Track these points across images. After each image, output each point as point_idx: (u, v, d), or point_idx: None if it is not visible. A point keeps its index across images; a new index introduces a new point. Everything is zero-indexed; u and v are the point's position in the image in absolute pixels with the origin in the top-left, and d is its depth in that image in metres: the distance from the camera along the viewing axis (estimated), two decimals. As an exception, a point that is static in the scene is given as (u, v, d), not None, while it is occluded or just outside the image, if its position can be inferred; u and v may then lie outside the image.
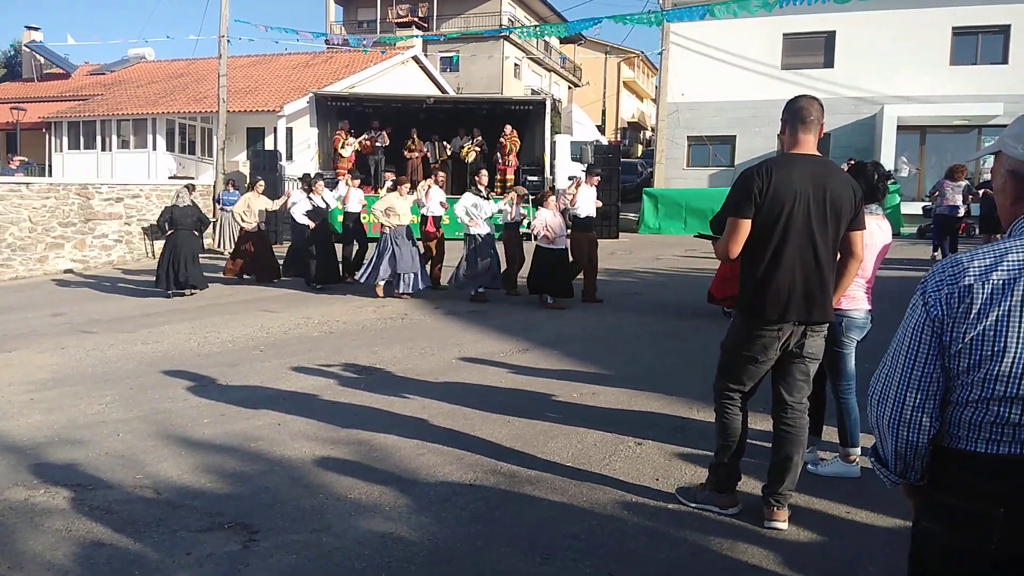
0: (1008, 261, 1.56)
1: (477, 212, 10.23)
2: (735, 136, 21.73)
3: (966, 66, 19.77)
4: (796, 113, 3.48)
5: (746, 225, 3.41)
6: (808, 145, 3.48)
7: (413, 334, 8.28)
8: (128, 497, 4.07)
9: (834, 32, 20.63)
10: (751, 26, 20.72)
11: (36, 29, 30.77)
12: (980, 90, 19.22)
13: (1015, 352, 1.54)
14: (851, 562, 3.33)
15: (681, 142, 22.24)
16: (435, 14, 36.80)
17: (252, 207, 12.42)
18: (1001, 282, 1.54)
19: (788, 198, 3.34)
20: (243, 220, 12.40)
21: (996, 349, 1.55)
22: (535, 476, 4.26)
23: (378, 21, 36.87)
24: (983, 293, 1.56)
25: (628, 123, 49.68)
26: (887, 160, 19.44)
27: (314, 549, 3.46)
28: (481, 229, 10.22)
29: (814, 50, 21.03)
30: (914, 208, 17.60)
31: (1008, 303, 1.54)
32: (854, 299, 4.05)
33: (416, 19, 35.74)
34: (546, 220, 9.54)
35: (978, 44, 19.86)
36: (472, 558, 3.37)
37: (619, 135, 45.64)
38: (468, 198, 10.39)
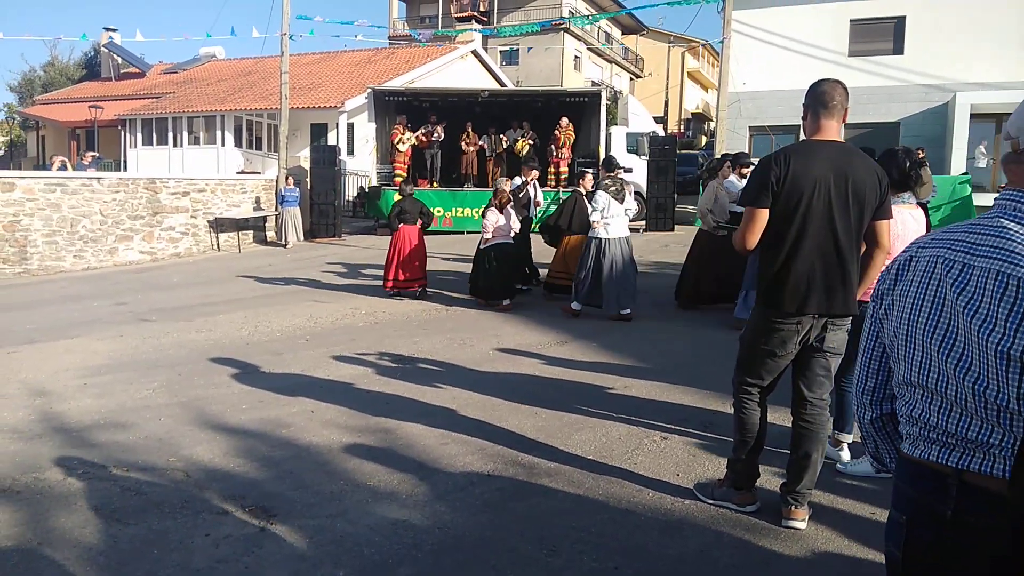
0: (933, 236, 1.52)
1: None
2: (799, 126, 21.07)
3: (1047, 50, 18.74)
4: (818, 98, 3.36)
5: (763, 215, 3.31)
6: (831, 131, 3.36)
7: (455, 325, 8.34)
8: (159, 479, 4.22)
9: (904, 17, 19.81)
10: (816, 12, 20.08)
11: (114, 30, 32.07)
12: (1062, 75, 18.21)
13: (904, 333, 1.48)
14: (869, 564, 3.21)
15: (743, 133, 21.73)
16: (496, 8, 36.85)
17: (720, 198, 8.62)
18: (916, 258, 1.51)
19: (807, 186, 3.24)
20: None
21: (895, 328, 1.52)
22: (554, 468, 4.24)
23: (439, 16, 37.11)
24: (898, 266, 1.55)
25: (692, 114, 48.87)
26: (959, 150, 18.62)
27: (327, 534, 3.53)
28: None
29: (883, 36, 20.23)
30: (987, 200, 16.79)
31: (908, 278, 1.50)
32: (885, 292, 3.89)
33: (476, 13, 35.86)
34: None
35: (1060, 26, 18.80)
36: (480, 547, 3.38)
37: (682, 126, 44.99)
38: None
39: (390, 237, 10.30)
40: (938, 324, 1.41)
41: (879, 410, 1.64)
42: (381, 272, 11.73)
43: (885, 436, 1.66)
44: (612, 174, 8.61)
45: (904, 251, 1.56)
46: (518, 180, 10.55)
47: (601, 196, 8.29)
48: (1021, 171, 1.43)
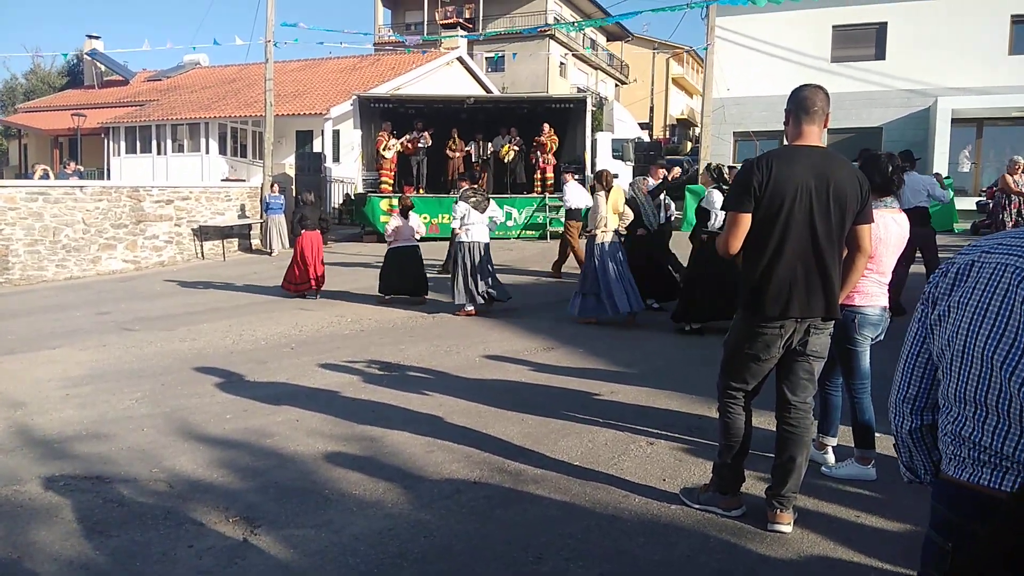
0: (998, 242, 1.41)
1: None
2: (782, 131, 21.23)
3: (1026, 55, 19.02)
4: (800, 103, 3.39)
5: (746, 219, 3.33)
6: (812, 136, 3.38)
7: (441, 332, 8.32)
8: (142, 490, 4.17)
9: (885, 23, 20.06)
10: (799, 19, 20.29)
11: (97, 38, 31.84)
12: (1041, 80, 18.47)
13: (962, 343, 1.37)
14: (855, 567, 3.21)
15: (727, 138, 21.90)
16: (481, 15, 36.91)
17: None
18: (979, 264, 1.40)
19: (789, 191, 3.25)
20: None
21: (950, 335, 1.40)
22: (541, 475, 4.23)
23: (425, 23, 37.11)
24: (956, 270, 1.44)
25: (677, 120, 49.08)
26: (942, 154, 18.82)
27: (312, 544, 3.49)
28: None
29: (865, 42, 20.47)
30: (969, 203, 16.97)
31: (971, 284, 1.39)
32: (869, 295, 3.92)
33: (461, 20, 35.89)
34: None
35: (1039, 32, 19.10)
36: (466, 556, 3.36)
37: (668, 132, 45.17)
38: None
39: (294, 243, 11.29)
40: (1003, 337, 1.30)
41: (919, 420, 1.56)
42: (369, 280, 11.75)
43: (923, 448, 1.58)
44: (475, 186, 9.71)
45: (964, 254, 1.46)
46: (652, 182, 9.47)
47: (461, 206, 9.18)
48: None
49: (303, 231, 11.00)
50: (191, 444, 4.90)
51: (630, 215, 8.58)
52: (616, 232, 8.40)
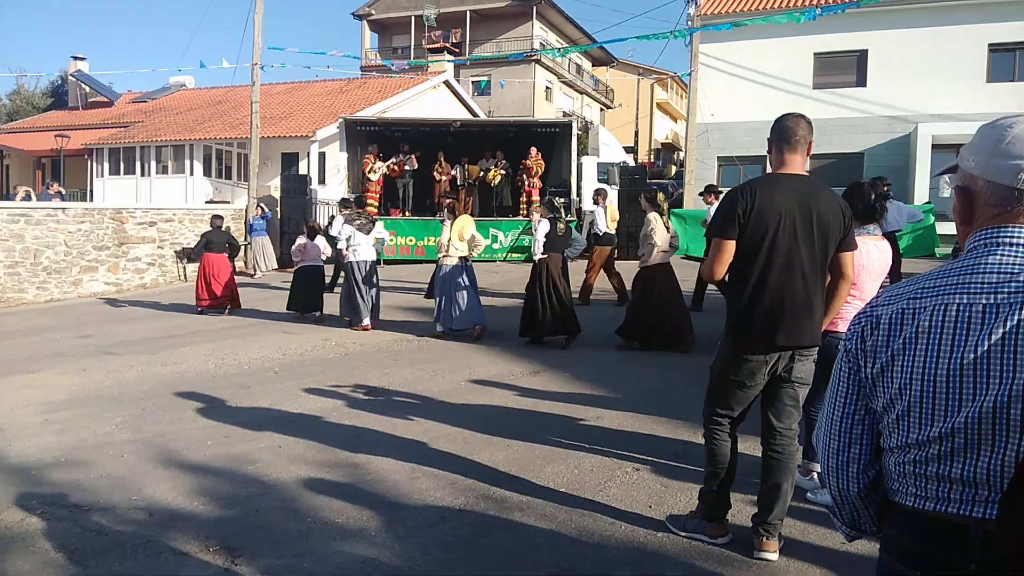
0: (922, 287, 1.42)
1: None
2: (766, 156, 21.44)
3: (1004, 83, 19.34)
4: (782, 133, 3.42)
5: (730, 246, 3.34)
6: (795, 165, 3.42)
7: (426, 356, 8.28)
8: (120, 519, 4.10)
9: (866, 51, 20.36)
10: (781, 46, 20.55)
11: (82, 59, 31.80)
12: (1019, 107, 18.75)
13: (919, 388, 1.37)
14: (841, 596, 3.20)
15: (711, 163, 22.06)
16: (468, 40, 37.20)
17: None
18: (912, 310, 1.41)
19: (772, 219, 3.27)
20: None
21: (901, 384, 1.40)
22: (526, 502, 4.20)
23: (412, 47, 37.37)
24: (888, 320, 1.43)
25: (662, 144, 49.54)
26: (922, 180, 19.06)
27: (294, 574, 3.44)
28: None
29: (846, 69, 20.76)
30: (951, 228, 17.15)
31: (912, 331, 1.39)
32: (852, 322, 3.93)
33: (448, 45, 36.16)
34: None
35: (1015, 61, 19.43)
36: (450, 586, 3.32)
37: (652, 156, 45.56)
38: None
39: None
40: (962, 371, 1.33)
41: (866, 478, 1.53)
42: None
43: (871, 503, 1.55)
44: (360, 211, 10.57)
45: (885, 304, 1.46)
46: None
47: (347, 228, 10.04)
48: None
49: (206, 253, 11.86)
50: (171, 471, 4.83)
51: (481, 242, 9.56)
52: (463, 257, 9.24)
